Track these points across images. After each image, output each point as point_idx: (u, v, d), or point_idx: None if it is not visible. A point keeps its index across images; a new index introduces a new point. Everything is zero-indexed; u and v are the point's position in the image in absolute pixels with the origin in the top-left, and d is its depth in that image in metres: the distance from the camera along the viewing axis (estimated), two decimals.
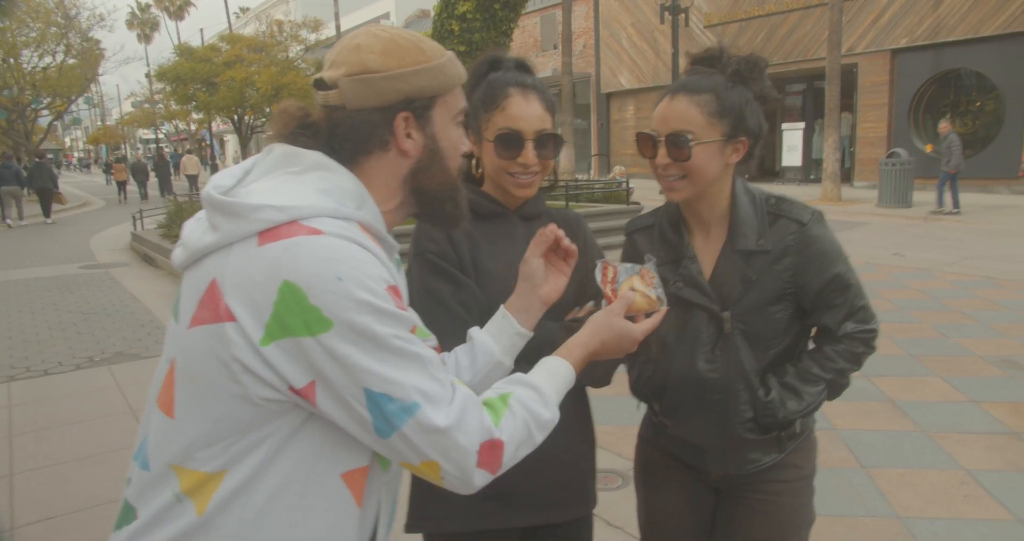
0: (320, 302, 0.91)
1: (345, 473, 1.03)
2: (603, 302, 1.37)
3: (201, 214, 1.05)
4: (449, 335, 1.43)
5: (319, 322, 0.91)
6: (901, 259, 9.49)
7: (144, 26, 65.74)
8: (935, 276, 8.33)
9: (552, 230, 1.34)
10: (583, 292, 1.66)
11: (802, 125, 20.47)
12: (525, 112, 1.54)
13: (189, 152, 31.96)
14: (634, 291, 1.35)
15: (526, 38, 28.46)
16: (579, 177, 19.25)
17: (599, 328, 1.27)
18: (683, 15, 17.86)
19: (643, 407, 1.86)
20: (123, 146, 69.40)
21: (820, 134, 18.34)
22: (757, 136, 1.58)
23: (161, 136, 60.39)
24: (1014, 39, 15.68)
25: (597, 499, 1.78)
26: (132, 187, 27.01)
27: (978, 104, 17.17)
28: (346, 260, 0.93)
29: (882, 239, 11.32)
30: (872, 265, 9.13)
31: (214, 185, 1.04)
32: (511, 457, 1.05)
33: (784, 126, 21.01)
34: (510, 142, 1.53)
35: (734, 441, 1.65)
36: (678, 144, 1.51)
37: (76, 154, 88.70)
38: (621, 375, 1.85)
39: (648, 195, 16.24)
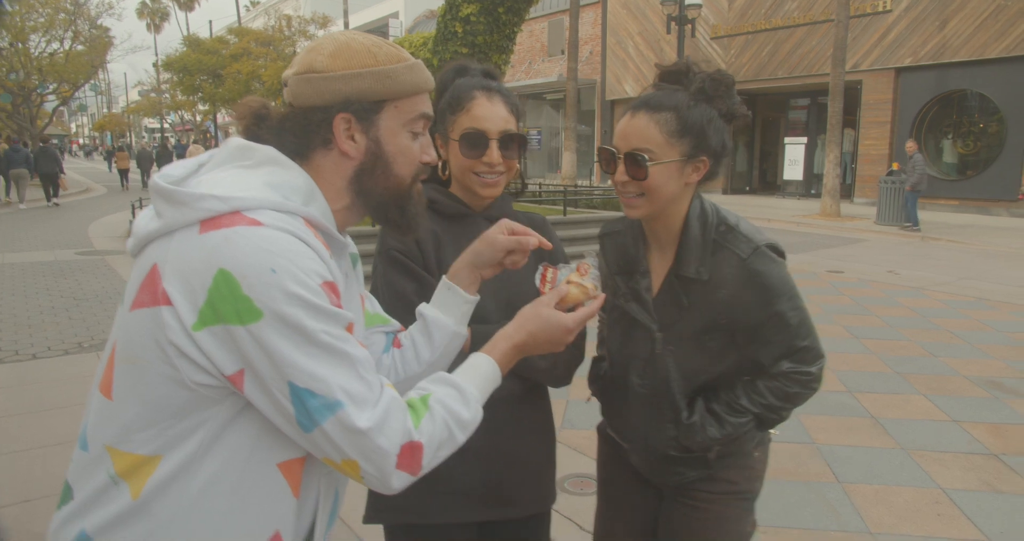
0: (252, 292, 0.92)
1: (282, 463, 1.04)
2: None
3: None
4: None
5: (250, 312, 0.92)
6: (895, 277, 9.51)
7: (154, 15, 65.78)
8: (927, 295, 8.35)
9: (536, 241, 1.32)
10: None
11: (804, 140, 20.53)
12: (490, 113, 1.58)
13: (195, 142, 32.02)
14: (569, 283, 1.34)
15: (533, 42, 28.51)
16: (580, 183, 19.26)
17: (525, 319, 1.27)
18: (690, 26, 17.88)
19: (594, 401, 1.89)
20: (128, 134, 69.42)
21: (822, 149, 18.38)
22: (719, 155, 1.56)
23: (166, 126, 60.45)
24: (1018, 62, 15.73)
25: (556, 496, 1.82)
26: (134, 175, 27.09)
27: (980, 126, 17.22)
28: (282, 253, 0.95)
29: (878, 256, 11.34)
30: (865, 282, 9.15)
31: (162, 175, 1.06)
32: (431, 458, 1.06)
33: (787, 140, 21.08)
34: (475, 142, 1.58)
35: (657, 454, 1.68)
36: (636, 163, 1.51)
37: (81, 140, 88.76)
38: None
39: None
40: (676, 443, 1.64)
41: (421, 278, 1.56)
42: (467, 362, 1.20)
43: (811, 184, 20.58)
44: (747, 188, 23.26)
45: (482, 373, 1.18)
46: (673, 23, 17.70)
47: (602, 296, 1.35)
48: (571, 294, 1.32)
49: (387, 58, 1.11)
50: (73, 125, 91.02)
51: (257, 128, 1.12)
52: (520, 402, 1.67)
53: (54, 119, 38.75)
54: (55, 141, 22.15)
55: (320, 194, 1.10)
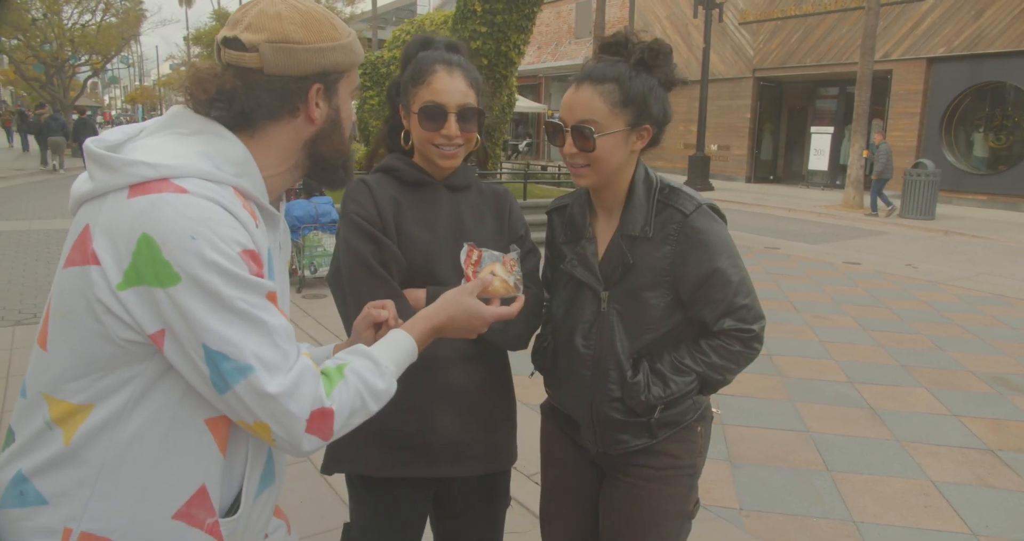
0: (172, 257, 0.97)
1: (209, 419, 1.09)
2: (463, 281, 1.44)
3: None
4: (369, 291, 1.54)
5: (169, 276, 0.97)
6: (912, 270, 9.37)
7: None
8: (943, 289, 8.23)
9: (379, 315, 1.35)
10: None
11: (831, 129, 20.19)
12: (449, 86, 1.63)
13: None
14: (493, 275, 1.42)
15: (560, 24, 28.25)
16: None
17: (447, 303, 1.34)
18: (717, 11, 17.61)
19: (537, 376, 1.91)
20: (159, 107, 70.09)
21: (849, 140, 18.08)
22: (661, 123, 1.61)
23: None
24: None
25: (517, 455, 1.87)
26: None
27: (1015, 119, 16.79)
28: (203, 221, 0.99)
29: (897, 249, 11.18)
30: (881, 274, 9.04)
31: (98, 139, 1.10)
32: (343, 425, 1.10)
33: (813, 130, 20.76)
34: (434, 114, 1.63)
35: (602, 419, 1.70)
36: (583, 135, 1.55)
37: (113, 112, 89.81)
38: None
39: None
40: (621, 405, 1.67)
41: (379, 241, 1.61)
42: (387, 337, 1.25)
43: (836, 175, 20.26)
44: (771, 177, 22.96)
45: (399, 348, 1.23)
46: (700, 7, 17.43)
47: (522, 298, 1.44)
48: (494, 286, 1.42)
49: (343, 30, 1.18)
50: (106, 97, 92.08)
51: (216, 100, 1.12)
52: (474, 361, 1.72)
53: (87, 90, 39.30)
54: (89, 112, 23.41)
55: (254, 166, 1.13)
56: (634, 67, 1.56)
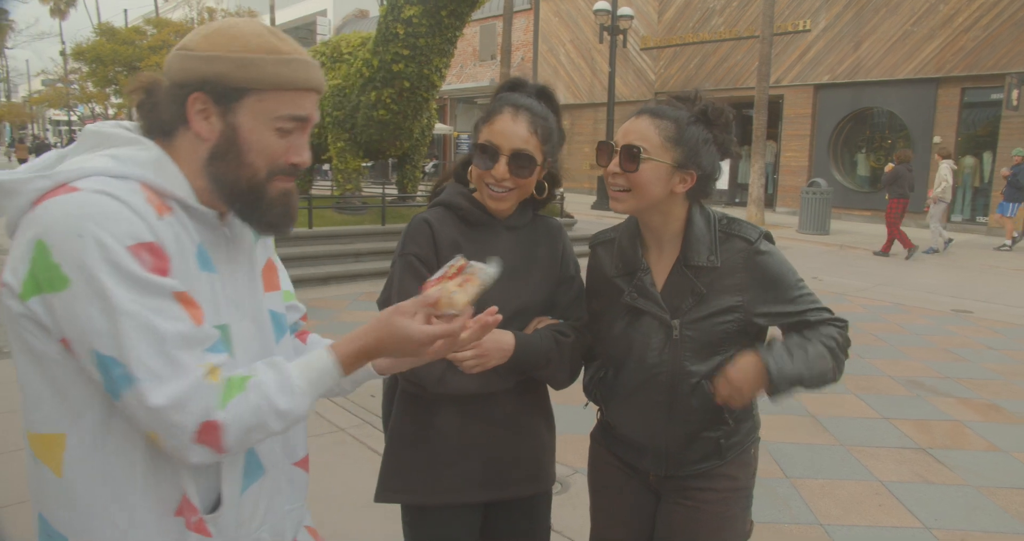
0: (60, 259, 0.94)
1: None
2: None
3: None
4: None
5: (59, 279, 0.94)
6: (819, 283, 9.99)
7: (59, 0, 62.18)
8: (849, 300, 8.81)
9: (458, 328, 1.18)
10: (552, 301, 1.78)
11: None
12: (508, 129, 1.63)
13: None
14: (444, 290, 1.19)
15: (465, 47, 28.51)
16: None
17: (376, 325, 1.16)
18: (621, 36, 18.28)
19: (591, 406, 1.94)
20: (31, 125, 65.55)
21: (746, 160, 19.11)
22: (709, 174, 1.67)
23: (75, 118, 57.32)
24: (922, 83, 16.79)
25: (555, 477, 1.90)
26: None
27: (889, 142, 18.27)
28: (92, 216, 0.95)
29: (801, 263, 11.83)
30: None
31: (6, 173, 1.07)
32: (236, 440, 1.03)
33: None
34: (486, 154, 1.64)
35: (676, 441, 1.73)
36: (630, 154, 1.62)
37: None
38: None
39: (578, 209, 16.57)
40: (699, 427, 1.70)
41: None
42: (309, 354, 1.15)
43: (735, 193, 21.34)
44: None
45: (316, 370, 1.12)
46: (605, 33, 18.04)
47: (459, 314, 1.17)
48: (448, 300, 1.18)
49: (259, 47, 1.08)
50: None
51: (143, 105, 1.13)
52: (518, 394, 1.75)
53: None
54: None
55: (172, 165, 1.09)
56: (695, 115, 1.64)
